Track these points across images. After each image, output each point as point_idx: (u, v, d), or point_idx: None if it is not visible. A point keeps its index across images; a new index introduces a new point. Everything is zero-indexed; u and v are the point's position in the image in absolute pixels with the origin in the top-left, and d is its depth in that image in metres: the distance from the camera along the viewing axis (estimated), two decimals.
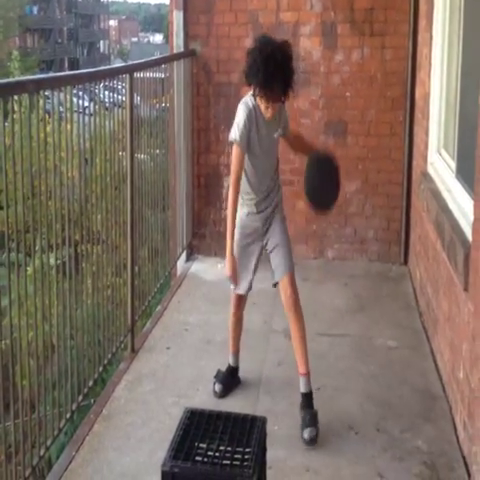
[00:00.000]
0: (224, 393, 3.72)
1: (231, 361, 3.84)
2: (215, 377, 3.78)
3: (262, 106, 3.37)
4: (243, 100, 3.45)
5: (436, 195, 4.15)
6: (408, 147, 5.46)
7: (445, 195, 4.01)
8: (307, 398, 3.46)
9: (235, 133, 3.38)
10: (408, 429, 3.42)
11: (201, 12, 5.65)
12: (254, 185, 3.52)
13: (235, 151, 3.40)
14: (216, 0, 5.61)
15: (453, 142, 4.16)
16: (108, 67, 4.43)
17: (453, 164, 4.05)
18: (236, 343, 3.82)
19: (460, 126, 3.98)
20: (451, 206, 3.80)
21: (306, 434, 3.32)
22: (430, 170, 4.65)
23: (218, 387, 3.73)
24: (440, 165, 4.43)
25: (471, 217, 3.19)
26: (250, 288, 3.64)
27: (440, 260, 3.88)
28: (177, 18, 5.65)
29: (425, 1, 4.93)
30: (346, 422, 3.48)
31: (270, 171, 3.57)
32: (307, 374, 3.47)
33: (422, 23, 5.07)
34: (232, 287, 3.60)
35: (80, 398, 3.48)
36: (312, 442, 3.30)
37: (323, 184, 3.64)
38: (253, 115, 3.39)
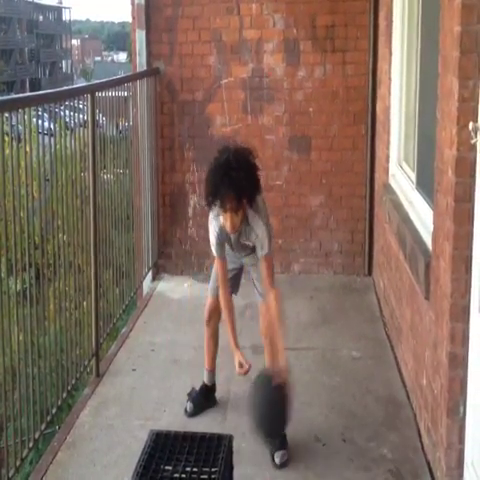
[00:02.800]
0: (194, 412, 3.67)
1: (206, 379, 3.79)
2: (188, 394, 3.74)
3: (222, 218, 3.28)
4: (211, 213, 3.38)
5: (397, 206, 4.23)
6: (370, 160, 5.55)
7: (406, 206, 4.09)
8: None
9: (213, 248, 3.42)
10: (373, 438, 3.45)
11: (164, 31, 5.68)
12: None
13: (216, 263, 3.48)
14: (179, 19, 5.65)
15: (413, 154, 4.25)
16: (69, 87, 4.40)
17: (413, 176, 4.13)
18: (211, 360, 3.78)
19: (419, 139, 4.07)
20: (412, 217, 3.87)
21: (277, 459, 3.29)
22: (391, 182, 4.73)
23: (189, 406, 3.69)
24: (401, 177, 4.52)
25: (431, 227, 3.25)
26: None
27: (402, 270, 3.94)
28: (139, 37, 5.67)
29: (384, 18, 5.04)
30: (313, 434, 3.49)
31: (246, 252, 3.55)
32: None
33: (381, 39, 5.18)
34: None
35: (43, 426, 3.40)
36: (283, 466, 3.27)
37: (270, 412, 3.16)
38: (220, 226, 3.34)
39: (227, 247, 3.47)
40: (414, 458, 3.28)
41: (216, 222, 3.35)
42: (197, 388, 3.77)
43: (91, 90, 4.07)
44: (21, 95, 3.61)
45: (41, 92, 3.70)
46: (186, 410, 3.69)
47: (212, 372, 3.80)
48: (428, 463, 3.19)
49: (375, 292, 5.33)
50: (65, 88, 4.40)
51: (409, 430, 3.51)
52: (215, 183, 3.15)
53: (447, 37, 2.79)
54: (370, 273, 5.68)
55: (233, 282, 3.70)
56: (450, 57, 2.73)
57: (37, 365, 3.35)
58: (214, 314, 3.71)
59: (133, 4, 5.69)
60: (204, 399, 3.75)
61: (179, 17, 5.65)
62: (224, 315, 3.48)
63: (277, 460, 3.28)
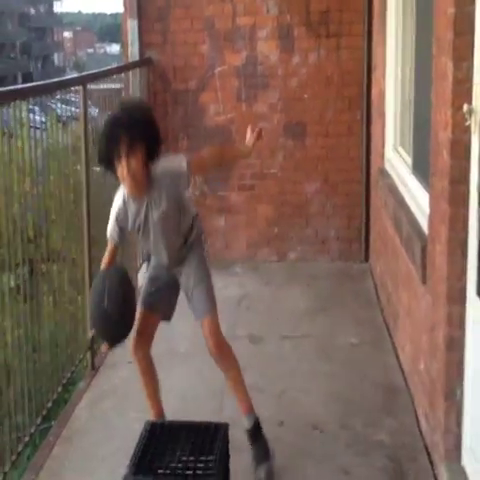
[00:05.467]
0: None
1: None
2: None
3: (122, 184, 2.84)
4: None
5: (393, 191, 4.21)
6: (366, 145, 5.52)
7: (402, 190, 4.07)
8: (253, 432, 3.06)
9: (108, 229, 2.99)
10: (371, 424, 3.44)
11: (156, 20, 5.63)
12: (157, 260, 3.09)
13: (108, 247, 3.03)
14: (171, 7, 5.61)
15: (409, 139, 4.23)
16: (60, 79, 4.35)
17: (409, 160, 4.11)
18: (156, 400, 3.20)
19: (415, 123, 4.05)
20: (408, 201, 3.85)
21: (262, 473, 2.97)
22: (387, 167, 4.71)
23: None
24: (397, 162, 4.49)
25: (427, 211, 3.23)
26: (156, 307, 3.13)
27: (399, 255, 3.93)
28: (131, 27, 5.61)
29: (378, 2, 5.00)
30: (310, 422, 3.46)
31: (175, 246, 3.01)
32: (250, 411, 3.09)
33: (376, 24, 5.14)
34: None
35: (39, 420, 3.38)
36: (270, 477, 2.98)
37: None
38: (124, 201, 2.91)
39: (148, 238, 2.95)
40: (412, 443, 3.26)
41: (119, 196, 2.93)
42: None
43: (83, 81, 4.00)
44: (10, 88, 3.52)
45: (31, 84, 3.62)
46: None
47: (161, 415, 3.20)
48: (426, 447, 3.18)
49: (372, 278, 5.32)
50: (56, 80, 4.33)
51: (407, 415, 3.49)
52: (103, 134, 2.83)
53: (441, 19, 2.76)
54: (367, 259, 5.66)
55: (164, 301, 3.13)
56: (444, 39, 2.70)
57: (32, 360, 3.32)
58: (141, 340, 3.09)
59: None
60: None
61: (171, 6, 5.61)
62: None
63: (262, 475, 2.95)
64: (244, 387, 3.08)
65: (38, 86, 3.62)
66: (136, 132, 2.76)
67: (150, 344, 3.13)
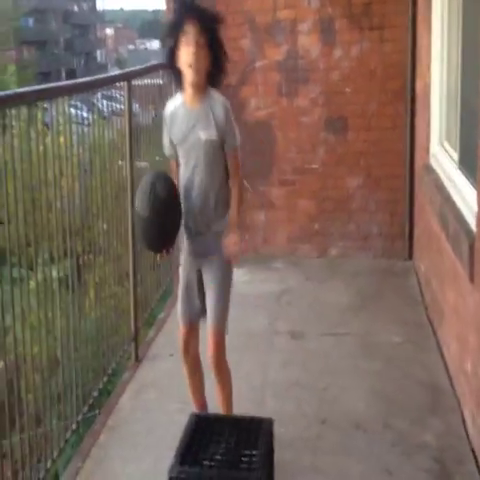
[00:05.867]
0: None
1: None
2: None
3: (183, 57, 2.82)
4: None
5: (439, 187, 4.11)
6: (409, 140, 5.41)
7: (448, 186, 3.96)
8: None
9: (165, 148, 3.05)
10: (416, 424, 3.37)
11: None
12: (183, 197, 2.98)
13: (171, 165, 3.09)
14: (213, 2, 5.56)
15: (455, 133, 4.12)
16: (105, 75, 4.34)
17: (455, 155, 4.00)
18: (199, 395, 3.23)
19: (462, 117, 3.94)
20: (454, 197, 3.75)
21: None
22: (432, 162, 4.60)
23: None
24: (442, 157, 4.39)
25: (474, 207, 3.15)
26: (197, 318, 3.13)
27: (444, 252, 3.83)
28: None
29: None
30: (353, 420, 3.42)
31: (208, 193, 2.95)
32: None
33: (420, 15, 5.03)
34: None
35: (85, 409, 3.45)
36: None
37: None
38: (175, 107, 2.97)
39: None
40: (458, 445, 3.18)
41: (169, 105, 2.99)
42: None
43: (127, 77, 4.02)
44: (58, 83, 3.54)
45: (78, 80, 3.63)
46: None
47: (204, 409, 3.24)
48: (473, 451, 3.10)
49: (416, 276, 5.21)
50: (101, 76, 4.34)
51: (453, 416, 3.41)
52: (176, 16, 2.85)
53: None
54: (411, 257, 5.55)
55: (198, 305, 3.11)
56: None
57: (79, 350, 3.39)
58: (187, 350, 3.16)
59: None
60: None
61: (213, 1, 5.56)
62: None
63: None
64: (231, 405, 3.10)
65: (85, 82, 3.63)
66: (210, 24, 2.79)
67: (198, 345, 3.17)
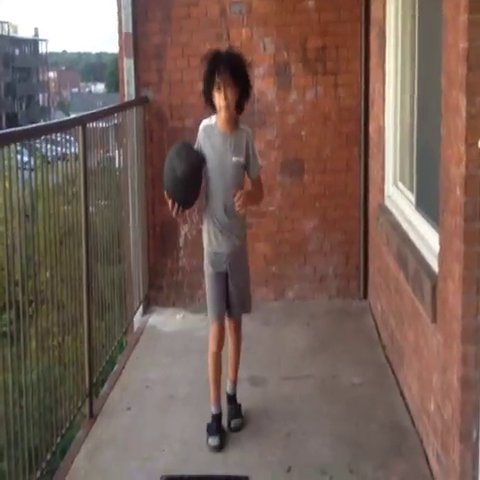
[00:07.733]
0: (222, 445, 3.53)
1: (214, 410, 3.68)
2: (208, 431, 3.59)
3: (217, 99, 3.49)
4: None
5: (396, 227, 4.16)
6: (364, 182, 5.50)
7: (405, 227, 4.02)
8: (233, 397, 3.84)
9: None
10: (381, 467, 3.34)
11: (152, 58, 5.59)
12: (211, 208, 3.61)
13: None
14: (167, 46, 5.59)
15: (411, 174, 4.20)
16: (60, 120, 4.26)
17: (412, 197, 4.06)
18: (217, 389, 3.70)
19: (418, 158, 4.02)
20: (412, 238, 3.80)
21: (233, 424, 3.70)
22: (388, 203, 4.68)
23: (213, 440, 3.53)
24: (398, 198, 4.46)
25: (435, 248, 3.19)
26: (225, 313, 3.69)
27: (403, 292, 3.87)
28: (127, 65, 5.56)
29: (376, 38, 5.03)
30: (319, 466, 3.36)
31: (225, 198, 3.57)
32: (235, 382, 3.85)
33: (374, 60, 5.16)
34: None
35: (38, 474, 3.21)
36: (237, 430, 3.68)
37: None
38: (210, 127, 3.59)
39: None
40: None
41: (203, 126, 3.62)
42: (210, 421, 3.64)
43: (82, 122, 3.97)
44: (10, 130, 3.42)
45: (29, 126, 3.55)
46: (211, 445, 3.52)
47: (219, 401, 3.74)
48: None
49: (372, 315, 5.25)
50: (55, 121, 4.24)
51: (416, 457, 3.40)
52: (210, 66, 3.47)
53: (451, 53, 2.75)
54: (366, 296, 5.60)
55: (225, 301, 3.69)
56: (455, 73, 2.68)
57: (25, 408, 3.12)
58: (221, 342, 3.65)
59: (120, 33, 5.60)
60: (222, 429, 3.65)
61: (168, 44, 5.59)
62: None
63: (233, 425, 3.70)
64: (238, 361, 3.81)
65: (38, 127, 3.54)
66: (236, 68, 3.45)
67: (223, 343, 3.67)
